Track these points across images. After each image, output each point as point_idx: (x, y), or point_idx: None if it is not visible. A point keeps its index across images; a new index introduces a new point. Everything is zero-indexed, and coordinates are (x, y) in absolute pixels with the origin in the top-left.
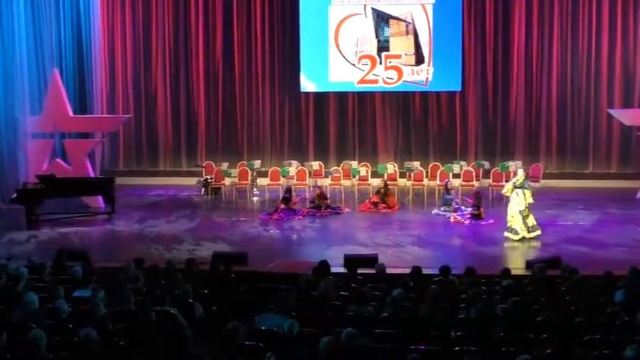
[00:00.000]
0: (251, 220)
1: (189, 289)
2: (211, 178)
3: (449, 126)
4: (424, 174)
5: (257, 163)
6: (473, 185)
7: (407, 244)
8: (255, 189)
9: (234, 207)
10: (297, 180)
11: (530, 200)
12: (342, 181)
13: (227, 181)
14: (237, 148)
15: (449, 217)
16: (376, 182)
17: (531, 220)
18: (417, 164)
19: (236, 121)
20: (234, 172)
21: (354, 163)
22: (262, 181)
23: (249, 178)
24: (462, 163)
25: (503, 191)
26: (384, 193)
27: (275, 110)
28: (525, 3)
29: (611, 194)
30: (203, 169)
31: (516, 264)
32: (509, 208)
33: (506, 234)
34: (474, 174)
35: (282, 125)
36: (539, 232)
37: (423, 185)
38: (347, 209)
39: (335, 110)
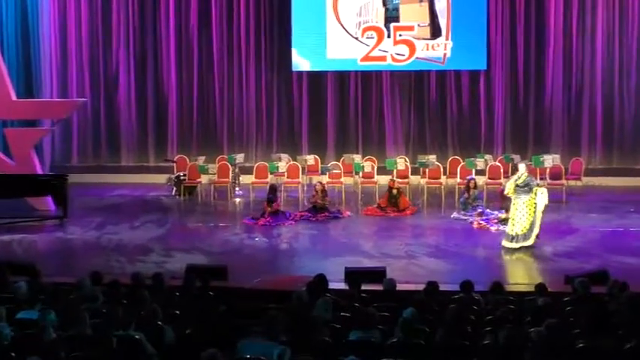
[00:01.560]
0: (232, 226)
1: (158, 310)
2: (184, 176)
3: (471, 112)
4: (441, 170)
5: (240, 157)
6: (500, 184)
7: (421, 254)
8: (237, 188)
9: (212, 210)
10: (288, 177)
11: (547, 201)
12: (343, 179)
13: (203, 178)
14: (216, 139)
15: (471, 223)
16: (384, 180)
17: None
18: (432, 158)
19: (214, 107)
20: (212, 167)
21: (357, 157)
22: (246, 179)
23: (231, 175)
24: (487, 156)
25: (506, 191)
26: (396, 195)
27: (261, 94)
28: None
29: None
30: (174, 165)
31: (552, 278)
32: (518, 210)
33: (508, 244)
34: (502, 170)
35: (270, 112)
36: (532, 242)
37: (441, 184)
38: (348, 213)
39: (334, 93)
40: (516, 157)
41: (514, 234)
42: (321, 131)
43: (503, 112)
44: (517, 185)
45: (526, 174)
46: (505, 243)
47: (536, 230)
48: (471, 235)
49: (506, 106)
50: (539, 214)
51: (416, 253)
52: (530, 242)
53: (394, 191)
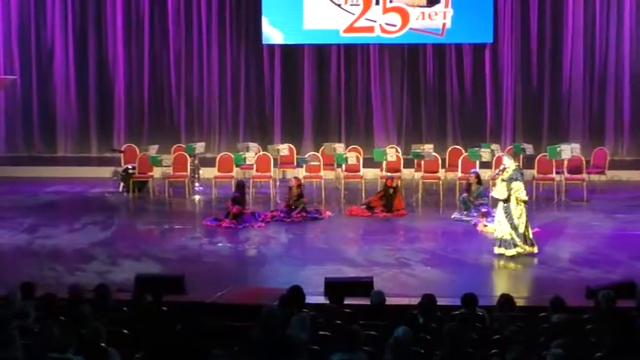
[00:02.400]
0: (191, 229)
1: (102, 329)
2: (133, 169)
3: (475, 94)
4: (439, 162)
5: (200, 147)
6: None
7: (415, 262)
8: (196, 184)
9: (166, 209)
10: (257, 170)
11: (524, 197)
12: (323, 173)
13: (156, 172)
14: (172, 125)
15: (475, 224)
16: (371, 174)
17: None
18: (429, 149)
19: (169, 87)
20: (167, 159)
21: (340, 147)
22: (208, 173)
23: (189, 167)
24: (494, 146)
25: (498, 194)
26: (391, 195)
27: (225, 72)
28: None
29: None
30: (122, 156)
31: (570, 291)
32: (499, 211)
33: (497, 249)
34: None
35: (236, 93)
36: (536, 248)
37: (438, 178)
38: (329, 213)
39: (312, 71)
40: (528, 147)
41: (499, 237)
42: (296, 116)
43: (513, 94)
44: (503, 180)
45: (513, 166)
46: (499, 249)
47: (529, 233)
48: (474, 240)
49: (517, 86)
50: (520, 217)
51: (409, 261)
52: (518, 250)
53: (390, 190)
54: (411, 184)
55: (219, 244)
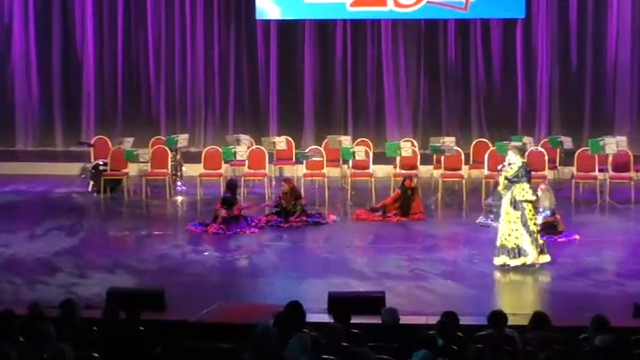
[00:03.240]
0: (172, 236)
1: (67, 352)
2: (105, 165)
3: (504, 78)
4: (462, 158)
5: (182, 140)
6: (544, 177)
7: (433, 275)
8: (179, 182)
9: (143, 213)
10: (249, 167)
11: (531, 197)
12: (326, 170)
13: (132, 168)
14: (150, 115)
15: None
16: (382, 172)
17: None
18: (450, 142)
19: (147, 71)
20: (144, 153)
21: (346, 140)
22: (192, 169)
23: (170, 164)
24: (527, 139)
25: (499, 187)
26: (409, 197)
27: (212, 52)
28: None
29: None
30: (91, 150)
31: (616, 309)
32: (503, 215)
33: (497, 260)
34: (546, 158)
35: (225, 76)
36: (549, 257)
37: (461, 177)
38: (333, 217)
39: (313, 50)
40: (566, 140)
41: (509, 247)
42: (295, 103)
43: (549, 77)
44: (507, 179)
45: (520, 163)
46: (500, 259)
47: (540, 240)
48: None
49: (553, 68)
50: (529, 222)
51: (426, 273)
52: (524, 261)
53: (408, 192)
54: (429, 183)
55: (205, 254)
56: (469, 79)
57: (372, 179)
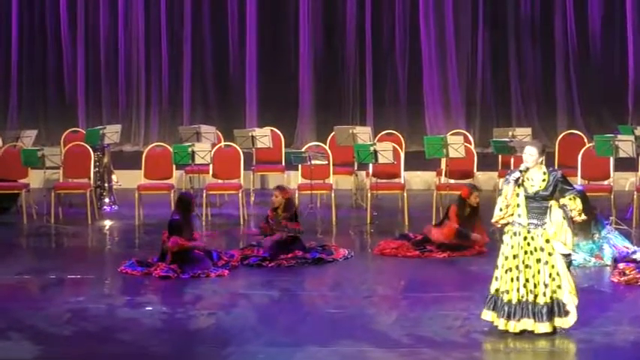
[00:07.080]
0: (96, 281)
1: None
2: None
3: (606, 40)
4: (542, 159)
5: (112, 133)
6: None
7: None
8: (106, 199)
9: (51, 245)
10: (214, 176)
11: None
12: (333, 179)
13: (34, 177)
14: (61, 95)
15: (612, 271)
16: (421, 181)
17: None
18: (524, 135)
19: (57, 28)
20: (54, 154)
21: (363, 133)
22: (127, 179)
23: (93, 170)
24: None
25: (493, 219)
26: (471, 215)
27: (159, 2)
28: None
29: None
30: None
31: None
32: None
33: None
34: None
35: (178, 39)
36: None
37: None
38: (344, 251)
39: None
40: None
41: (543, 303)
42: (285, 80)
43: None
44: (530, 197)
45: (545, 170)
46: (534, 325)
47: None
48: (607, 298)
49: None
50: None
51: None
52: (571, 319)
53: (467, 209)
54: (490, 197)
55: (148, 309)
56: (553, 41)
57: (404, 193)
